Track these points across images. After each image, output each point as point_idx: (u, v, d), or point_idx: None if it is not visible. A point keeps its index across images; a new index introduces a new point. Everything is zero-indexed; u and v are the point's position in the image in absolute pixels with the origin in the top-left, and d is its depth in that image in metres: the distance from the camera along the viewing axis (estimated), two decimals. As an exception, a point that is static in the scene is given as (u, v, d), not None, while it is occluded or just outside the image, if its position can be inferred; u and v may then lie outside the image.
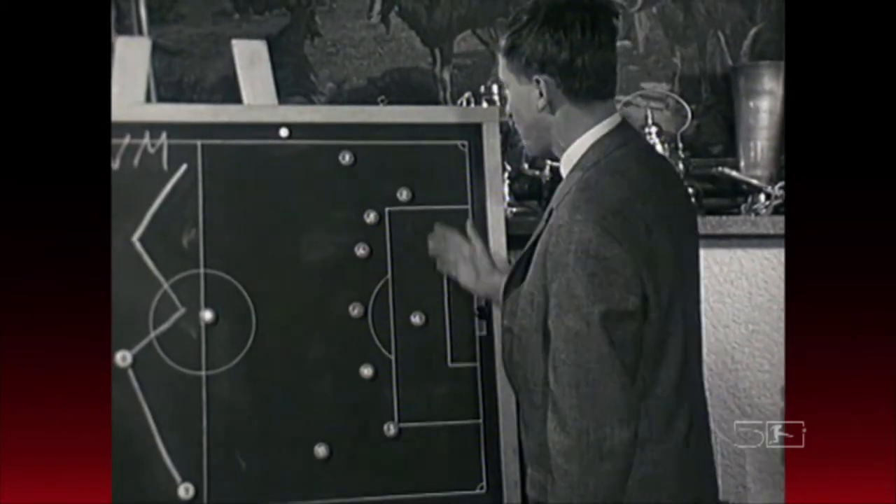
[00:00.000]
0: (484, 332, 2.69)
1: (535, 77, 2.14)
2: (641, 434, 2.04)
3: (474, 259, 2.54)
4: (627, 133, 2.21)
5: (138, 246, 2.54)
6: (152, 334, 2.53)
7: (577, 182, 2.12)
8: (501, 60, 2.21)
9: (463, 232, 2.57)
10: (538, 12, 2.13)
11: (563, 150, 2.19)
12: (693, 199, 3.11)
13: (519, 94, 2.20)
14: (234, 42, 2.74)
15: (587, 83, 2.13)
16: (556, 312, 2.05)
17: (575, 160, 2.16)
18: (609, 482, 2.02)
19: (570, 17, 2.11)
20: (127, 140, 2.57)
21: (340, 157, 2.67)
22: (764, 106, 3.18)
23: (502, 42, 2.19)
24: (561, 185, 2.18)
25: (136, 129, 2.58)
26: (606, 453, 2.01)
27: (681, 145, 3.16)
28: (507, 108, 2.31)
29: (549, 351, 2.08)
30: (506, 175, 3.00)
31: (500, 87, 2.98)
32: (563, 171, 2.20)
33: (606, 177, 2.11)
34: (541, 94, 2.15)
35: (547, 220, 2.15)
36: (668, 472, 2.10)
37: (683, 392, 2.13)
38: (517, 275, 2.21)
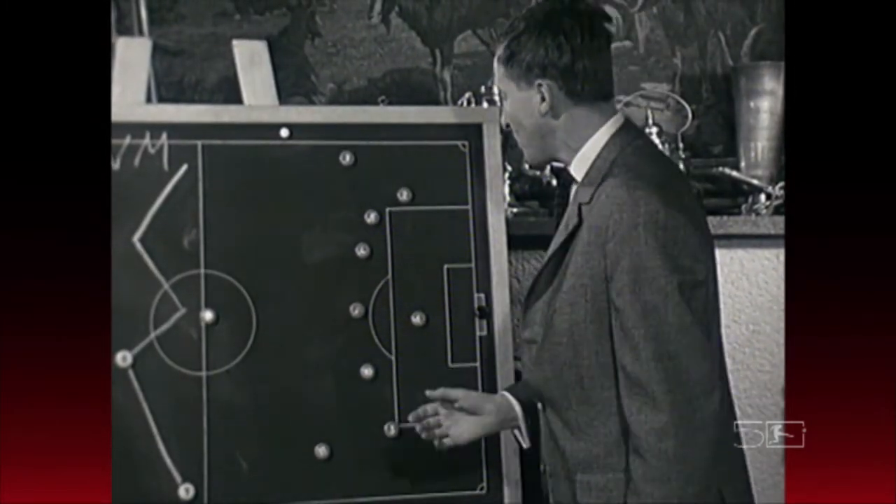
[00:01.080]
0: (484, 333, 2.69)
1: (538, 82, 2.16)
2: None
3: (464, 409, 2.35)
4: (635, 130, 2.25)
5: (139, 246, 2.55)
6: (153, 334, 2.53)
7: (607, 172, 2.13)
8: (500, 69, 2.22)
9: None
10: (536, 19, 2.16)
11: (575, 150, 2.19)
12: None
13: (520, 101, 2.20)
14: (235, 42, 2.74)
15: (589, 86, 2.16)
16: (629, 289, 2.04)
17: (593, 157, 2.17)
18: (705, 454, 2.03)
19: (568, 22, 2.15)
20: (127, 140, 2.57)
21: (341, 158, 2.68)
22: (764, 106, 3.18)
23: (499, 51, 2.21)
24: (583, 181, 2.17)
25: (137, 129, 2.58)
26: (699, 425, 2.01)
27: (681, 145, 3.16)
28: (504, 118, 2.27)
29: (608, 339, 2.09)
30: (506, 175, 3.00)
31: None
32: (577, 172, 2.19)
33: (644, 159, 2.16)
34: (543, 99, 2.16)
35: (579, 215, 2.14)
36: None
37: (724, 361, 2.19)
38: (541, 283, 2.20)
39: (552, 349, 2.17)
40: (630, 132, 2.20)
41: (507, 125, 2.28)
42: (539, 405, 2.25)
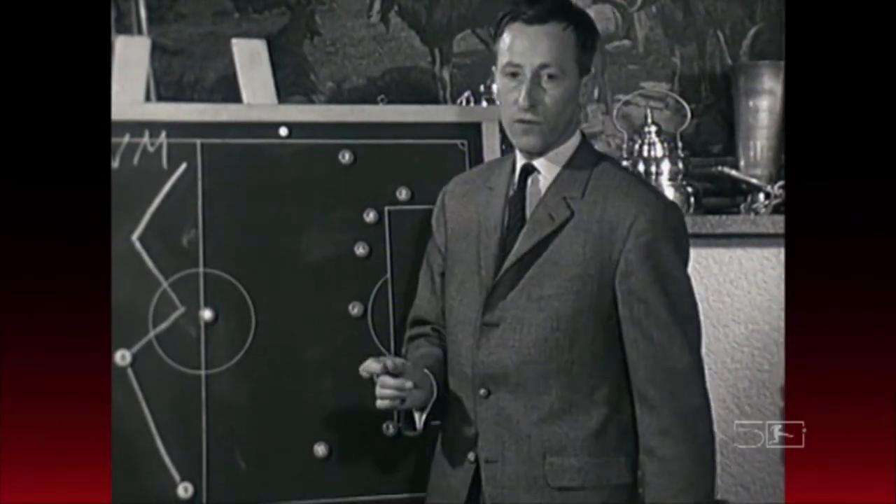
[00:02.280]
0: (483, 332, 2.68)
1: (584, 79, 2.21)
2: None
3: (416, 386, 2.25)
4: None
5: (138, 245, 2.54)
6: (152, 333, 2.53)
7: (592, 169, 2.23)
8: (558, 41, 2.15)
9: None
10: (593, 28, 2.26)
11: (560, 144, 2.24)
12: (692, 199, 3.13)
13: (570, 87, 2.18)
14: (234, 41, 2.74)
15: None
16: (653, 291, 2.15)
17: (573, 150, 2.24)
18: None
19: (597, 31, 2.26)
20: (126, 139, 2.57)
21: (340, 157, 2.67)
22: (763, 105, 3.19)
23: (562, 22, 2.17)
24: (564, 174, 2.23)
25: (136, 128, 2.58)
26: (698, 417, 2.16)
27: (680, 144, 3.16)
28: (527, 100, 2.14)
29: (606, 329, 2.17)
30: (505, 174, 2.99)
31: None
32: (548, 169, 2.24)
33: (617, 165, 2.34)
34: (583, 93, 2.22)
35: (570, 207, 2.19)
36: None
37: None
38: (512, 271, 2.22)
39: (521, 328, 2.20)
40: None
41: (530, 107, 2.16)
42: (481, 392, 2.23)
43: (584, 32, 2.19)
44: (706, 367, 2.19)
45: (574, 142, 2.25)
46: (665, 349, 2.14)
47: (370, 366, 2.20)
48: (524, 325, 2.21)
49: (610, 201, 2.18)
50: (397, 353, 2.58)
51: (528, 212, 2.24)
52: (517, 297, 2.22)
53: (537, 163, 2.25)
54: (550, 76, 2.16)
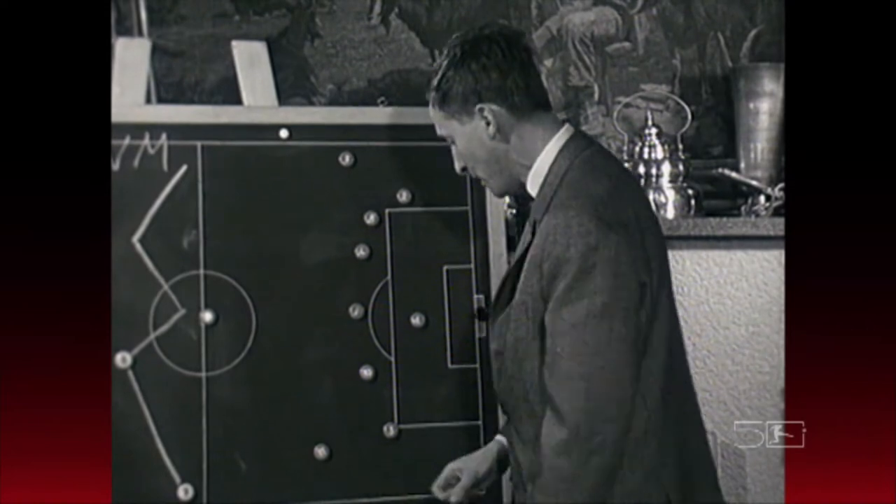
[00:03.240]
0: (484, 334, 2.68)
1: (478, 107, 2.19)
2: (634, 429, 2.07)
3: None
4: (584, 140, 2.26)
5: (138, 247, 2.54)
6: (152, 335, 2.53)
7: (557, 188, 2.16)
8: (438, 114, 2.26)
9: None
10: (455, 54, 2.21)
11: (529, 168, 2.22)
12: (693, 201, 3.13)
13: (467, 134, 2.23)
14: (234, 43, 2.74)
15: (526, 98, 2.20)
16: (555, 308, 2.07)
17: (544, 172, 2.20)
18: (597, 478, 2.06)
19: (485, 46, 2.19)
20: (127, 141, 2.57)
21: (340, 159, 2.68)
22: (764, 107, 3.19)
23: (431, 98, 2.25)
24: (537, 198, 2.21)
25: (136, 130, 2.58)
26: (596, 448, 2.03)
27: (681, 147, 3.16)
28: (457, 163, 2.31)
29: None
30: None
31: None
32: (532, 189, 2.23)
33: (587, 175, 2.16)
34: (488, 123, 2.20)
35: (533, 232, 2.17)
36: (661, 468, 2.13)
37: (669, 387, 2.15)
38: (503, 296, 2.23)
39: (504, 362, 2.22)
40: (579, 142, 2.22)
41: (464, 169, 2.31)
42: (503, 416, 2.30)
43: (446, 89, 2.22)
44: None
45: (546, 158, 2.20)
46: (548, 379, 2.08)
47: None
48: (507, 350, 2.22)
49: (543, 224, 2.14)
50: (396, 356, 2.59)
51: None
52: (503, 324, 2.22)
53: (528, 187, 2.25)
54: (453, 141, 2.27)
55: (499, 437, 2.40)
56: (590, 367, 2.03)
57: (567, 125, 2.24)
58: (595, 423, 2.03)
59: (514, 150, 2.22)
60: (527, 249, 2.17)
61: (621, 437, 2.05)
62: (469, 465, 2.37)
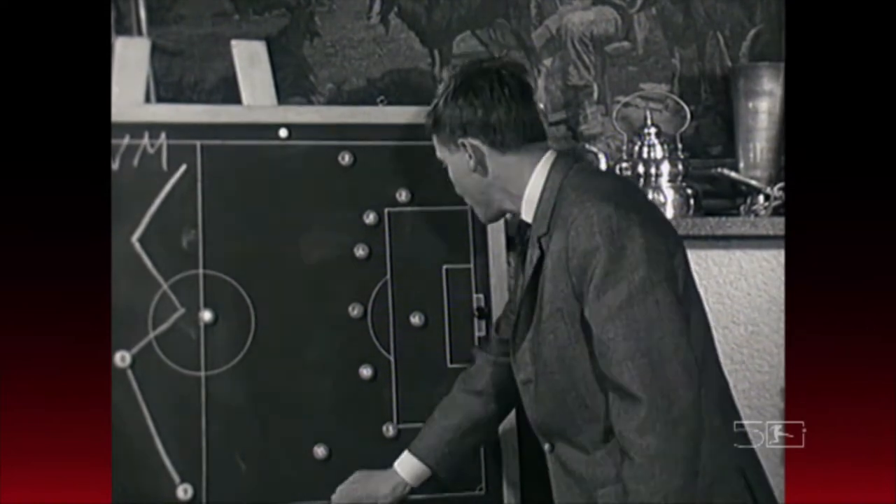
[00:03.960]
0: (483, 333, 2.69)
1: (460, 141, 2.26)
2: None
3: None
4: (570, 158, 2.31)
5: (138, 246, 2.54)
6: (151, 335, 2.53)
7: (558, 198, 2.19)
8: (433, 139, 2.35)
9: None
10: (451, 86, 2.29)
11: (519, 197, 2.26)
12: (692, 201, 3.13)
13: (454, 164, 2.32)
14: (234, 43, 2.74)
15: (510, 134, 2.24)
16: (594, 297, 2.08)
17: (538, 194, 2.23)
18: (688, 446, 2.04)
19: (477, 82, 2.26)
20: (126, 140, 2.57)
21: (340, 158, 2.68)
22: (763, 107, 3.18)
23: (427, 123, 2.34)
24: (537, 217, 2.22)
25: (136, 129, 2.58)
26: (678, 417, 2.01)
27: (680, 146, 3.16)
28: (457, 188, 2.38)
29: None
30: (505, 176, 3.00)
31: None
32: (527, 214, 2.25)
33: (589, 176, 2.26)
34: (470, 156, 2.26)
35: (541, 248, 2.18)
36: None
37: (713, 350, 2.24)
38: (521, 326, 2.23)
39: (549, 381, 2.20)
40: (566, 159, 2.27)
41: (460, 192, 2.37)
42: (546, 447, 2.27)
43: (437, 118, 2.30)
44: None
45: (537, 181, 2.24)
46: (608, 367, 2.07)
47: None
48: (537, 377, 2.22)
49: (556, 229, 2.17)
50: (395, 355, 2.60)
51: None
52: (529, 351, 2.23)
53: (523, 215, 2.26)
54: (447, 166, 2.35)
55: (401, 473, 2.47)
56: (647, 342, 2.04)
57: (551, 150, 2.28)
58: (670, 393, 2.02)
59: (499, 181, 2.27)
60: (537, 267, 2.18)
61: (698, 400, 2.04)
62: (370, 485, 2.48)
